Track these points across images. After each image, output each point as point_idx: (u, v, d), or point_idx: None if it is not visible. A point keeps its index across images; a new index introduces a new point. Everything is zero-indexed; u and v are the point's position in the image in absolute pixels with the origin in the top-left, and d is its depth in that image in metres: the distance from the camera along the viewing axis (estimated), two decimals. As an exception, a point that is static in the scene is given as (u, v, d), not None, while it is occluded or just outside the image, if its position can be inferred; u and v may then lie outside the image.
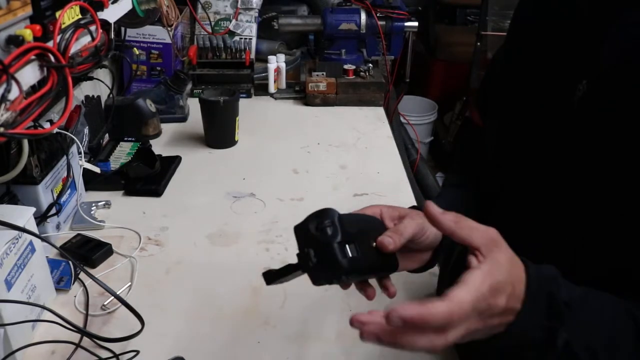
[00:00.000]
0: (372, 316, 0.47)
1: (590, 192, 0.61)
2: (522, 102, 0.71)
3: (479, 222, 0.53)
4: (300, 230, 0.56)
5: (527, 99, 0.70)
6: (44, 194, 0.94)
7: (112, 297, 0.79)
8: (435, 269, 0.73)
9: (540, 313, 0.52)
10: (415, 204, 1.15)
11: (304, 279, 0.57)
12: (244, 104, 1.41)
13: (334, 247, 0.52)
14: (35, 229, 0.79)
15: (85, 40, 0.76)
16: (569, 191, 0.63)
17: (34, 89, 0.62)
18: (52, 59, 0.64)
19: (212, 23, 1.63)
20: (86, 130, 1.18)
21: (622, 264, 0.60)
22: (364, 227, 0.58)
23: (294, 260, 0.57)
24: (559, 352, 0.52)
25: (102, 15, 0.79)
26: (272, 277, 0.58)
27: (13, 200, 0.89)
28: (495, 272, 0.49)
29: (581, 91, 0.61)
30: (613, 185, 0.59)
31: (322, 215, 0.55)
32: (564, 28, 0.66)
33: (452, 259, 0.66)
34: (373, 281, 0.61)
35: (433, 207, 0.52)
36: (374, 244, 0.57)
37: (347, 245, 0.54)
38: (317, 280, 0.55)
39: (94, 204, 1.09)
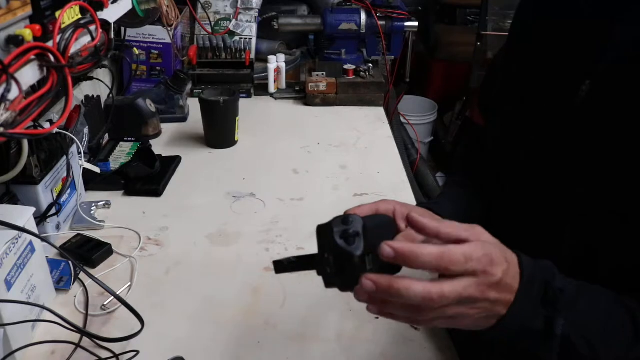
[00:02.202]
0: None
1: (593, 192, 0.61)
2: (525, 102, 0.70)
3: (481, 221, 0.53)
4: (324, 232, 0.55)
5: (530, 99, 0.70)
6: (44, 194, 0.94)
7: (112, 297, 0.79)
8: None
9: (537, 298, 0.52)
10: (415, 203, 1.15)
11: (307, 277, 0.57)
12: (244, 104, 1.41)
13: (356, 262, 0.52)
14: (35, 229, 0.79)
15: (85, 40, 0.75)
16: (571, 191, 0.63)
17: (33, 89, 0.62)
18: (52, 59, 0.64)
19: (212, 23, 1.63)
20: (86, 130, 1.18)
21: (623, 263, 0.60)
22: (382, 233, 0.58)
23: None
24: (558, 340, 0.53)
25: (102, 15, 0.79)
26: (283, 268, 0.58)
27: (13, 200, 0.89)
28: (488, 246, 0.51)
29: (584, 92, 0.61)
30: (616, 185, 0.59)
31: (348, 222, 0.54)
32: (566, 28, 0.66)
33: None
34: None
35: (415, 215, 0.53)
36: None
37: (366, 258, 0.53)
38: (329, 285, 0.55)
39: (93, 204, 1.09)
